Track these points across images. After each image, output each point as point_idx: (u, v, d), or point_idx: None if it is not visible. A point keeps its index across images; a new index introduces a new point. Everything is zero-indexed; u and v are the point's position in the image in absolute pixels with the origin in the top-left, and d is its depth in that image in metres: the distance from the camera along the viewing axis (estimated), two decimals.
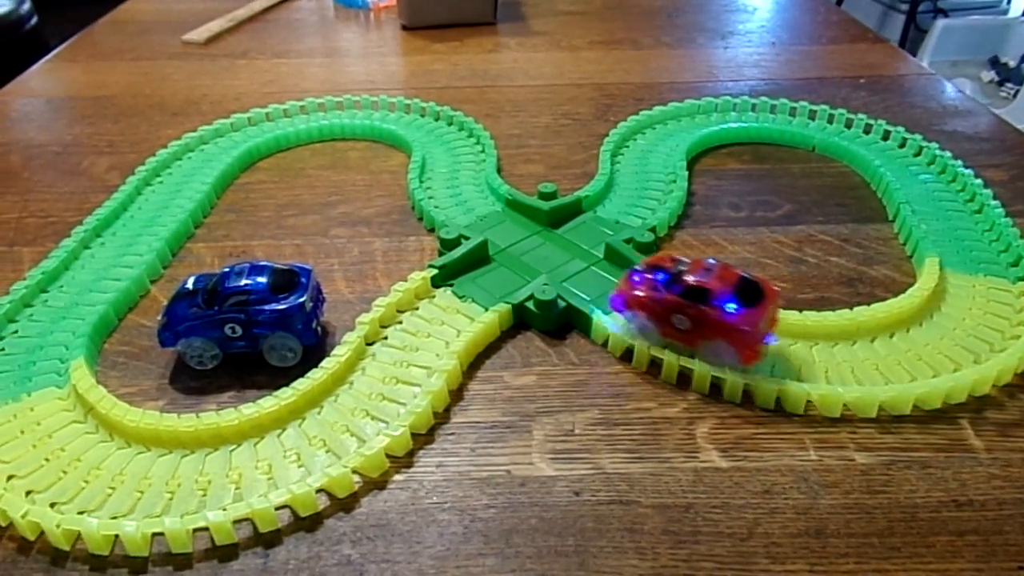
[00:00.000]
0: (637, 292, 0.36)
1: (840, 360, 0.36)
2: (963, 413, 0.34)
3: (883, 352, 0.37)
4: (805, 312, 0.38)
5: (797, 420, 0.34)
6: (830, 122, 0.58)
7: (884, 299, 0.40)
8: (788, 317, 0.38)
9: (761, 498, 0.30)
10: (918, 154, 0.54)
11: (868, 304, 0.39)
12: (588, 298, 0.40)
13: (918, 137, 0.54)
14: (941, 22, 1.56)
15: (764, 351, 0.35)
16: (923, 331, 0.38)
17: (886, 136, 0.56)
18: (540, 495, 0.31)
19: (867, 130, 0.57)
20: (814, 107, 0.59)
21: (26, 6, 1.58)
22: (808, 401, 0.34)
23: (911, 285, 0.41)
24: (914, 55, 0.77)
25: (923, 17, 1.71)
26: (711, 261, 0.36)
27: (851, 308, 0.39)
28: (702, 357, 0.35)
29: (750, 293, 0.34)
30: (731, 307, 0.34)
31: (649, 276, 0.36)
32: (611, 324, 0.38)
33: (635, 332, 0.37)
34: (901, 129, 0.55)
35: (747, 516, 0.30)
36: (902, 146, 0.55)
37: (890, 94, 0.65)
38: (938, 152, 0.52)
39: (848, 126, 0.57)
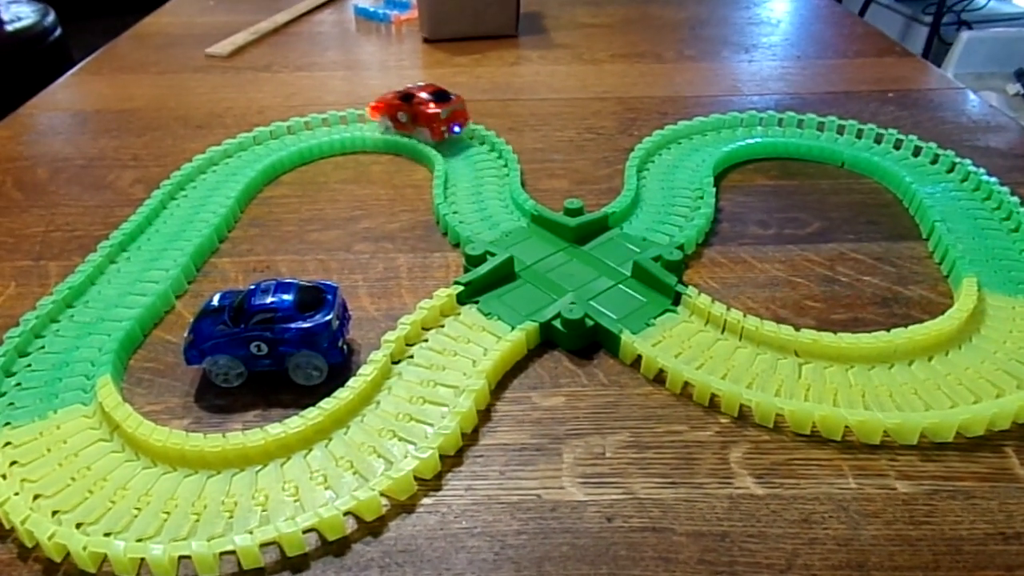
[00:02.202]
0: (383, 100, 0.59)
1: (877, 384, 0.35)
2: (1007, 440, 0.33)
3: (922, 376, 0.36)
4: (840, 334, 0.37)
5: (834, 446, 0.33)
6: (859, 137, 0.57)
7: (921, 320, 0.39)
8: (823, 339, 0.37)
9: (800, 527, 0.30)
10: (951, 170, 0.53)
11: (904, 325, 0.38)
12: (616, 317, 0.40)
13: (950, 153, 0.53)
14: (966, 34, 1.54)
15: (447, 132, 0.58)
16: (963, 354, 0.37)
17: (917, 152, 0.55)
18: (571, 521, 0.30)
19: (897, 145, 0.56)
20: (842, 122, 0.58)
21: (50, 18, 1.61)
22: (845, 426, 0.33)
23: (948, 306, 0.40)
24: (938, 67, 0.76)
25: (946, 29, 1.69)
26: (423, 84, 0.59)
27: (888, 330, 0.38)
28: (416, 136, 0.58)
29: (442, 95, 0.58)
30: (430, 104, 0.57)
31: (392, 92, 0.59)
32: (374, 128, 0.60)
33: (383, 131, 0.60)
34: (933, 145, 0.54)
35: (786, 546, 0.29)
36: (934, 162, 0.54)
37: (919, 109, 0.64)
38: (972, 169, 0.51)
39: (878, 141, 0.57)
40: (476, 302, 0.41)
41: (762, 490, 0.31)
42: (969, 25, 1.70)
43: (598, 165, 0.57)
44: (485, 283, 0.42)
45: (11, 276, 0.45)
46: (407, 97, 0.58)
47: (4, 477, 0.32)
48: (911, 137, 0.55)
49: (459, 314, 0.40)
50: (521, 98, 0.69)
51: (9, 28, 1.49)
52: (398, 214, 0.51)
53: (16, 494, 0.31)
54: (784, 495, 0.31)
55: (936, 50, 1.67)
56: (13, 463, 0.33)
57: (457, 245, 0.47)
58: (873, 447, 0.33)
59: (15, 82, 1.41)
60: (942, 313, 0.39)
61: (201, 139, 0.60)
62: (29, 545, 0.29)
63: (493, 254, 0.43)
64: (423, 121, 0.57)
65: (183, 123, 0.65)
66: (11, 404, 0.36)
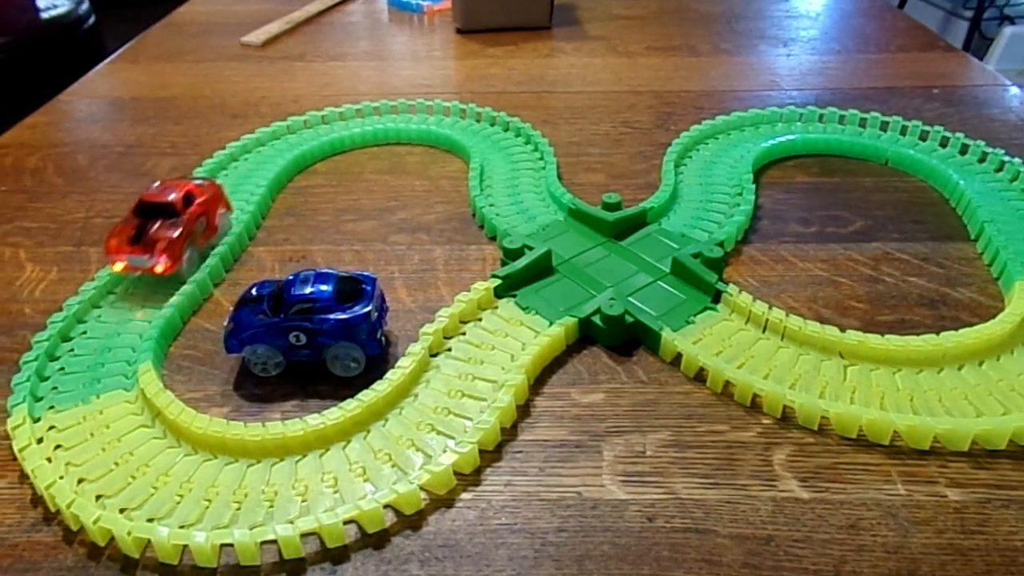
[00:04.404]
0: (164, 242, 0.41)
1: (926, 388, 0.35)
2: None
3: (973, 381, 0.35)
4: (887, 336, 0.37)
5: (881, 451, 0.32)
6: (903, 134, 0.56)
7: (970, 323, 0.38)
8: (869, 340, 0.36)
9: (847, 533, 0.29)
10: (999, 169, 0.51)
11: (954, 328, 0.37)
12: (655, 314, 0.39)
13: (999, 151, 0.52)
14: (1009, 29, 1.50)
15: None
16: (1015, 359, 0.36)
17: (964, 150, 0.53)
18: (612, 519, 0.30)
19: (943, 143, 0.54)
20: (886, 118, 0.57)
21: (84, 6, 1.62)
22: (894, 431, 0.32)
23: (999, 309, 0.39)
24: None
25: (987, 24, 1.65)
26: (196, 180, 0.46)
27: (936, 333, 0.37)
28: (225, 233, 0.46)
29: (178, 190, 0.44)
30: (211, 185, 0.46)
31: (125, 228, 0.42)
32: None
33: (186, 267, 0.43)
34: (981, 143, 0.53)
35: (833, 552, 0.28)
36: (982, 160, 0.52)
37: (965, 105, 0.62)
38: (1022, 168, 0.50)
39: (923, 138, 0.55)
40: (514, 296, 0.41)
41: (807, 494, 0.31)
42: (1012, 20, 1.66)
43: (634, 159, 0.56)
44: (523, 277, 0.41)
45: (53, 261, 0.46)
46: (188, 198, 0.43)
47: (49, 460, 0.32)
48: (958, 134, 0.54)
49: (497, 308, 0.40)
50: (556, 90, 0.68)
51: (45, 16, 1.51)
52: (434, 206, 0.51)
53: (61, 477, 0.31)
54: (831, 500, 0.30)
55: (976, 45, 1.63)
56: (58, 447, 0.33)
57: (493, 238, 0.47)
58: (922, 453, 0.32)
59: (50, 69, 1.43)
60: (993, 316, 0.38)
61: (238, 128, 0.61)
62: (74, 528, 0.30)
63: (531, 247, 0.43)
64: (224, 204, 0.47)
65: (219, 111, 0.65)
66: (55, 388, 0.36)
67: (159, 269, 0.41)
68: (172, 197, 0.42)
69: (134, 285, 0.43)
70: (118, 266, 0.41)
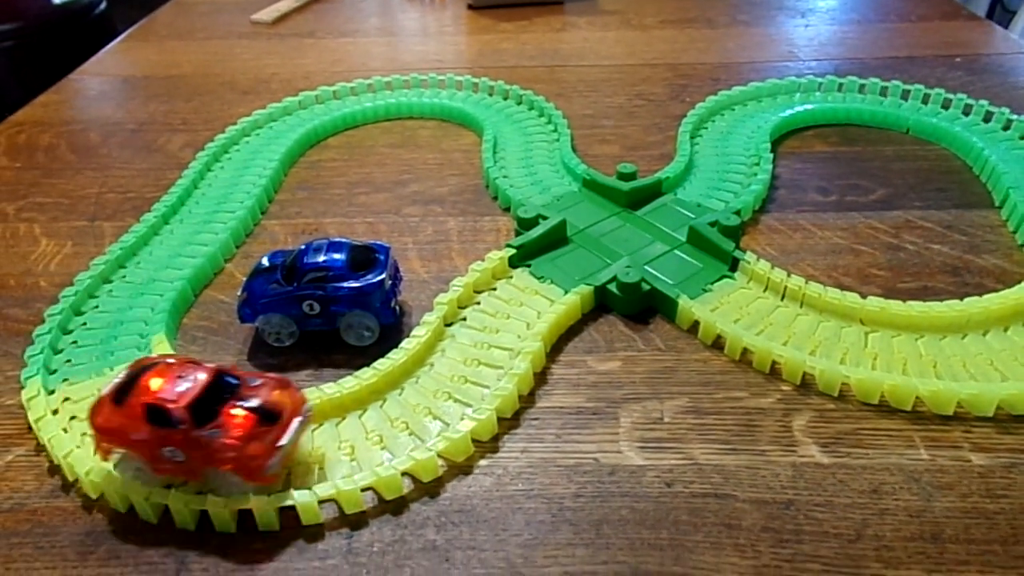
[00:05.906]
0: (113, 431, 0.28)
1: (950, 354, 0.34)
2: None
3: (997, 347, 0.34)
4: (909, 302, 0.36)
5: (903, 416, 0.32)
6: (925, 102, 0.55)
7: (994, 290, 0.37)
8: (891, 307, 0.36)
9: (869, 497, 0.28)
10: None
11: (978, 295, 0.36)
12: (672, 282, 0.39)
13: None
14: None
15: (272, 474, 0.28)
16: None
17: (988, 118, 0.52)
18: (630, 485, 0.30)
19: (966, 111, 0.53)
20: (907, 86, 0.55)
21: None
22: (916, 397, 0.32)
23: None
24: None
25: None
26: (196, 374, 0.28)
27: (961, 299, 0.36)
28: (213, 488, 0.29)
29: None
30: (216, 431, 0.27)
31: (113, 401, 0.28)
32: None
33: (130, 477, 0.29)
34: (1005, 110, 0.52)
35: (854, 516, 0.28)
36: (1006, 128, 0.51)
37: (988, 74, 0.61)
38: None
39: (945, 107, 0.54)
40: (528, 266, 0.40)
41: (828, 459, 0.30)
42: None
43: (649, 131, 0.56)
44: (538, 246, 0.41)
45: (67, 236, 0.46)
46: (223, 389, 0.28)
47: (65, 431, 0.32)
48: (981, 102, 0.53)
49: (511, 277, 0.40)
50: (569, 64, 0.68)
51: (56, 1, 1.51)
52: (447, 178, 0.51)
53: (78, 447, 0.31)
54: (852, 464, 0.30)
55: (999, 18, 1.59)
56: (72, 417, 0.33)
57: (507, 209, 0.47)
58: (946, 418, 0.31)
59: (61, 56, 1.43)
60: (1018, 283, 0.37)
61: (248, 104, 0.60)
62: (93, 496, 0.30)
63: (545, 217, 0.42)
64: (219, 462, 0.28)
65: (230, 88, 0.65)
66: (68, 361, 0.36)
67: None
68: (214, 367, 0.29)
69: (144, 260, 0.43)
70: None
